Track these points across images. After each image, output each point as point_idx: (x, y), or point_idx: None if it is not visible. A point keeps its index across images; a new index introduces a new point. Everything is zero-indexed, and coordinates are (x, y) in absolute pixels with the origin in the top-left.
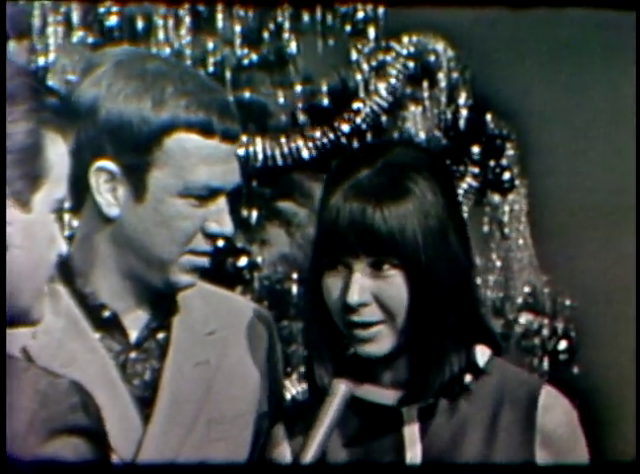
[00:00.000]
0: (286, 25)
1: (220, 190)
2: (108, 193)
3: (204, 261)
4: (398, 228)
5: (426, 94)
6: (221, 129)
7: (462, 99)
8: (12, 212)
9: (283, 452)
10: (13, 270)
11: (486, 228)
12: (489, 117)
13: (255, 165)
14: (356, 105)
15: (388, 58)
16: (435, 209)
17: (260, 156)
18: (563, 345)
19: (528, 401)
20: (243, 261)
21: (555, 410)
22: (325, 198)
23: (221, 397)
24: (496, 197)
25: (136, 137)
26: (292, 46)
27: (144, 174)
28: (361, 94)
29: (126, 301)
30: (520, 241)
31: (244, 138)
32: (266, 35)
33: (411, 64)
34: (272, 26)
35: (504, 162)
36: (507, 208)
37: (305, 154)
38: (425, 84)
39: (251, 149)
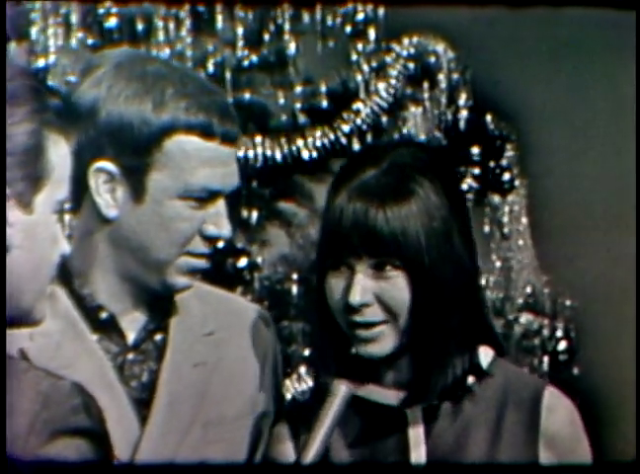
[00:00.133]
0: (287, 26)
1: (219, 192)
2: (107, 193)
3: (202, 263)
4: (401, 229)
5: (426, 95)
6: (221, 132)
7: (462, 100)
8: (14, 214)
9: (287, 451)
10: (14, 271)
11: (486, 229)
12: (489, 117)
13: (255, 166)
14: (356, 105)
15: (388, 59)
16: (438, 211)
17: (260, 157)
18: (563, 345)
19: (532, 402)
20: (243, 261)
21: (559, 411)
22: (330, 199)
23: (219, 398)
24: (496, 198)
25: (136, 139)
26: (293, 47)
27: (144, 175)
28: (362, 95)
29: (124, 303)
30: (520, 241)
31: (245, 140)
32: (266, 36)
33: (411, 65)
34: (272, 27)
35: (504, 163)
36: (507, 209)
37: (305, 155)
38: (425, 85)
39: (251, 150)
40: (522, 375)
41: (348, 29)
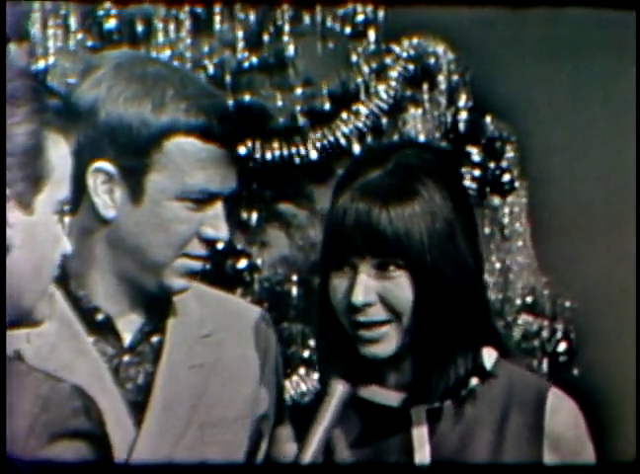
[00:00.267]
0: (286, 27)
1: (218, 194)
2: (105, 194)
3: (199, 265)
4: (404, 230)
5: (426, 96)
6: (221, 134)
7: (462, 101)
8: (14, 214)
9: (291, 453)
10: (14, 271)
11: (486, 230)
12: (489, 119)
13: (255, 167)
14: (356, 107)
15: (388, 61)
16: (442, 212)
17: (260, 158)
18: (563, 346)
19: (536, 404)
20: (243, 263)
21: (563, 413)
22: (334, 199)
23: (217, 400)
24: (496, 199)
25: (136, 140)
26: (292, 49)
27: (142, 176)
28: (362, 96)
29: (121, 304)
30: (520, 242)
31: (244, 141)
32: (266, 37)
33: (411, 67)
34: (272, 28)
35: (504, 164)
36: (506, 210)
37: (305, 156)
38: (425, 86)
39: (251, 151)
40: (527, 377)
41: (347, 30)
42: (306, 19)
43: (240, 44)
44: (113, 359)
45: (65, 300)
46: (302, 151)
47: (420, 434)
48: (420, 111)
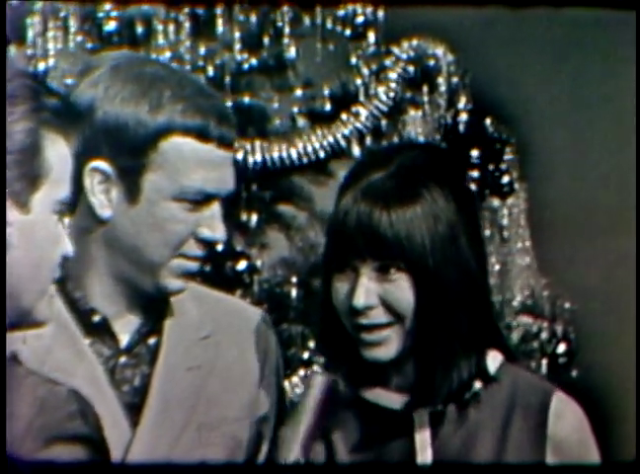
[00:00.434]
0: (286, 29)
1: (215, 195)
2: (101, 194)
3: (196, 266)
4: (405, 232)
5: (425, 98)
6: (218, 135)
7: (462, 103)
8: (11, 213)
9: (295, 454)
10: (13, 270)
11: (485, 232)
12: (488, 121)
13: (254, 169)
14: (355, 109)
15: (388, 62)
16: (445, 214)
17: (259, 160)
18: (562, 348)
19: (540, 407)
20: (242, 264)
21: (567, 416)
22: (337, 201)
23: (215, 402)
24: (495, 201)
25: (132, 140)
26: (292, 51)
27: (139, 176)
28: (361, 98)
29: (117, 305)
30: (520, 244)
31: (244, 143)
32: (266, 39)
33: (411, 68)
34: (271, 30)
35: (503, 166)
36: (506, 212)
37: (305, 158)
38: (424, 88)
39: (250, 153)
40: (532, 380)
41: (347, 32)
42: (306, 20)
43: (240, 46)
44: (109, 361)
45: (62, 301)
46: (302, 152)
47: (422, 438)
48: (419, 112)
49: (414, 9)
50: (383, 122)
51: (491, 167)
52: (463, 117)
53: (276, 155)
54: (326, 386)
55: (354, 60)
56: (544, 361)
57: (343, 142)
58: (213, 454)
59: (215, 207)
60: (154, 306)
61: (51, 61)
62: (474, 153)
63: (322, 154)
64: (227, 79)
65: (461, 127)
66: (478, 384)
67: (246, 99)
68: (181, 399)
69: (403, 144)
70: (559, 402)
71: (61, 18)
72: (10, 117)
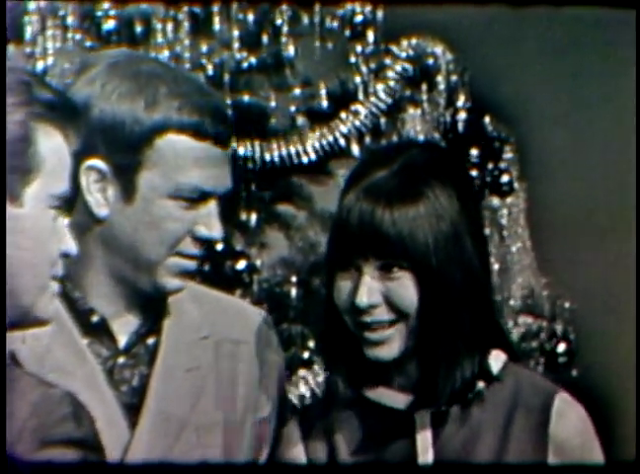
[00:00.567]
0: (285, 28)
1: (211, 193)
2: (98, 192)
3: (192, 264)
4: (407, 231)
5: (424, 96)
6: (214, 132)
7: (461, 101)
8: None
9: (298, 453)
10: (7, 265)
11: (485, 231)
12: (487, 119)
13: (254, 168)
14: (354, 107)
15: (387, 61)
16: (448, 213)
17: (258, 159)
18: (562, 347)
19: (542, 407)
20: (242, 264)
21: (569, 417)
22: (340, 199)
23: (214, 403)
24: (494, 200)
25: (128, 137)
26: (291, 49)
27: (134, 174)
28: (360, 96)
29: (116, 305)
30: (519, 243)
31: (243, 142)
32: (265, 38)
33: (410, 67)
34: (270, 29)
35: (502, 165)
36: (505, 211)
37: (304, 157)
38: (424, 87)
39: (249, 152)
40: (535, 380)
41: (346, 31)
42: (305, 19)
43: (239, 45)
44: (107, 361)
45: (61, 301)
46: (301, 151)
47: (424, 438)
48: (419, 111)
49: (413, 8)
50: (382, 121)
51: (490, 166)
52: (462, 115)
53: (275, 154)
54: None
55: (353, 59)
56: (544, 361)
57: (342, 141)
58: (213, 456)
59: (212, 206)
60: (153, 306)
61: (50, 60)
62: (473, 152)
63: (321, 153)
64: (226, 78)
65: (460, 126)
66: (481, 384)
67: (245, 98)
68: (179, 400)
69: (405, 143)
70: (562, 402)
71: (60, 16)
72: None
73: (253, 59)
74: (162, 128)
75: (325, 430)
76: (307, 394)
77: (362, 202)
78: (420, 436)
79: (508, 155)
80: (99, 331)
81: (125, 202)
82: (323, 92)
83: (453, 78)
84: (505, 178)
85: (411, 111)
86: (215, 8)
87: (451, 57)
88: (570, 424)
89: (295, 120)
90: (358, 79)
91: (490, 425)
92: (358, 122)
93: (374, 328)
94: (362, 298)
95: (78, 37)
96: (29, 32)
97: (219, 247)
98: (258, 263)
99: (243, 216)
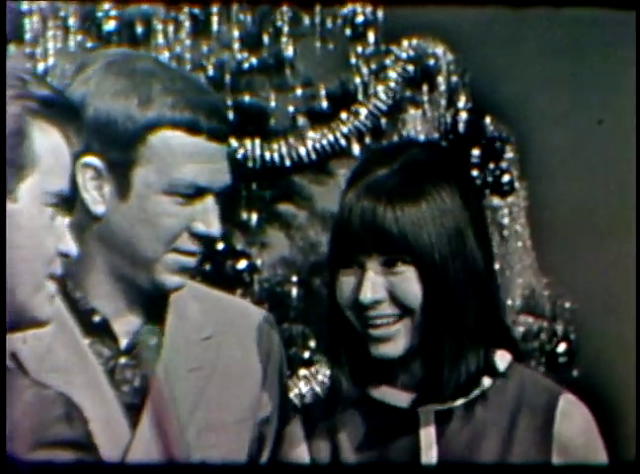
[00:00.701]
0: (286, 28)
1: (207, 189)
2: (94, 190)
3: (190, 260)
4: (410, 228)
5: (425, 97)
6: (208, 128)
7: (462, 102)
8: None
9: (302, 453)
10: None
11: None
12: (488, 119)
13: (254, 168)
14: (355, 108)
15: (388, 62)
16: (450, 209)
17: (259, 159)
18: (562, 347)
19: (546, 407)
20: (243, 263)
21: (573, 418)
22: (341, 198)
23: (216, 403)
24: (495, 200)
25: (122, 134)
26: (292, 50)
27: (129, 170)
28: (361, 97)
29: (117, 305)
30: (520, 243)
31: (244, 142)
32: (265, 38)
33: (410, 68)
34: (271, 29)
35: (503, 164)
36: (506, 211)
37: (305, 157)
38: (424, 87)
39: (250, 152)
40: (540, 380)
41: (347, 31)
42: (305, 20)
43: (239, 45)
44: (109, 361)
45: (61, 301)
46: (302, 152)
47: (427, 436)
48: (419, 111)
49: (414, 8)
50: (383, 121)
51: (491, 166)
52: (463, 116)
53: (275, 154)
54: None
55: (353, 60)
56: (545, 361)
57: (342, 141)
58: (214, 456)
59: (209, 202)
60: (154, 306)
61: (51, 61)
62: (474, 152)
63: (322, 153)
64: (227, 78)
65: (461, 126)
66: (487, 381)
67: (246, 98)
68: (181, 400)
69: (406, 142)
70: (566, 403)
71: (61, 17)
72: None
73: (254, 60)
74: (155, 125)
75: (328, 429)
76: (308, 394)
77: (364, 200)
78: (424, 434)
79: (508, 155)
80: (100, 331)
81: (121, 200)
82: (323, 92)
83: (454, 79)
84: (505, 178)
85: (412, 111)
86: (216, 9)
87: (452, 58)
88: (574, 424)
89: (296, 121)
90: (358, 80)
91: (494, 424)
92: (358, 123)
93: (379, 325)
94: (367, 294)
95: (79, 37)
96: (29, 32)
97: (220, 246)
98: (258, 262)
99: (244, 216)
